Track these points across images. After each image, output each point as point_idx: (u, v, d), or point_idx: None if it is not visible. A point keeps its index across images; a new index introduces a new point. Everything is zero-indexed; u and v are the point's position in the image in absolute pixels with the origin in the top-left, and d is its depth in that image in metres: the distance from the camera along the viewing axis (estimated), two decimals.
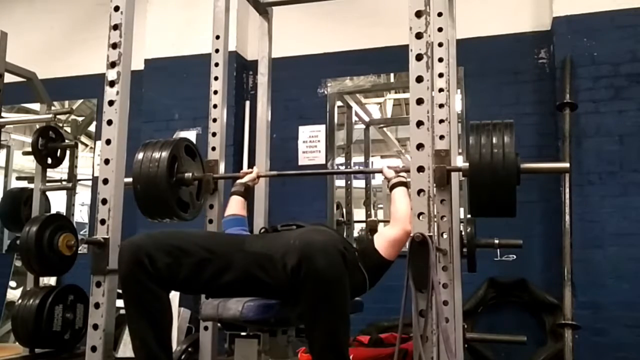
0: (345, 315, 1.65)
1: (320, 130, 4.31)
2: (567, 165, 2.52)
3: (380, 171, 2.17)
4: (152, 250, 1.68)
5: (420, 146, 1.67)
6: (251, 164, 3.26)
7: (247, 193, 2.38)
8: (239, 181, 2.40)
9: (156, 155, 2.12)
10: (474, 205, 1.93)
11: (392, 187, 2.06)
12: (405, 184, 2.03)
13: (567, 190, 3.40)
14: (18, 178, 5.09)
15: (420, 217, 1.65)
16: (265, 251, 1.78)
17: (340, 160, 4.71)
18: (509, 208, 1.82)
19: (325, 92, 4.35)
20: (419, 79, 1.69)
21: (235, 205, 2.30)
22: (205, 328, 2.30)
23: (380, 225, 4.75)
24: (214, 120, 2.48)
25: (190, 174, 2.22)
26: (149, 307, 1.69)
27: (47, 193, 4.06)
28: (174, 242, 1.76)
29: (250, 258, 1.78)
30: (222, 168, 2.44)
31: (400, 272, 1.65)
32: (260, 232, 2.20)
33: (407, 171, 2.00)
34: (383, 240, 1.91)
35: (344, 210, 4.68)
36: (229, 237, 2.09)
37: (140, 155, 2.15)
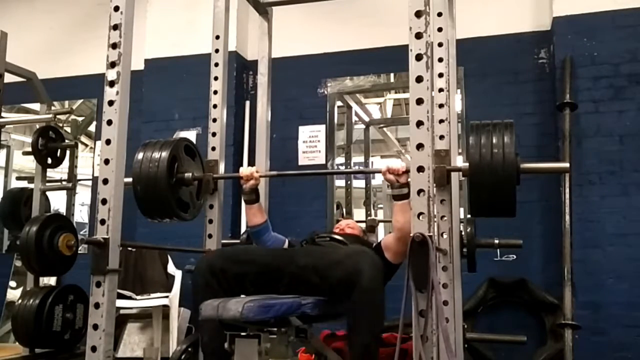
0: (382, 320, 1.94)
1: (320, 130, 4.31)
2: (567, 165, 2.52)
3: (380, 171, 2.18)
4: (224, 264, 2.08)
5: (420, 146, 1.68)
6: (251, 164, 3.26)
7: (258, 196, 2.47)
8: (246, 188, 2.41)
9: (156, 155, 2.13)
10: (474, 205, 1.93)
11: (395, 198, 2.16)
12: (408, 195, 2.06)
13: (567, 190, 3.40)
14: (18, 178, 5.08)
15: (420, 217, 1.65)
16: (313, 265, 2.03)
17: (340, 160, 4.70)
18: (509, 208, 1.82)
19: (325, 92, 4.35)
20: (419, 79, 1.69)
21: (258, 212, 2.47)
22: None
23: (380, 225, 4.75)
24: (214, 120, 2.48)
25: (190, 174, 2.23)
26: None
27: (47, 193, 4.06)
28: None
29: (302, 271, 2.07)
30: (222, 168, 2.44)
31: (400, 272, 1.65)
32: (302, 244, 2.42)
33: (408, 172, 2.01)
34: (392, 253, 2.19)
35: (344, 210, 4.67)
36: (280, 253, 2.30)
37: (140, 155, 2.15)
